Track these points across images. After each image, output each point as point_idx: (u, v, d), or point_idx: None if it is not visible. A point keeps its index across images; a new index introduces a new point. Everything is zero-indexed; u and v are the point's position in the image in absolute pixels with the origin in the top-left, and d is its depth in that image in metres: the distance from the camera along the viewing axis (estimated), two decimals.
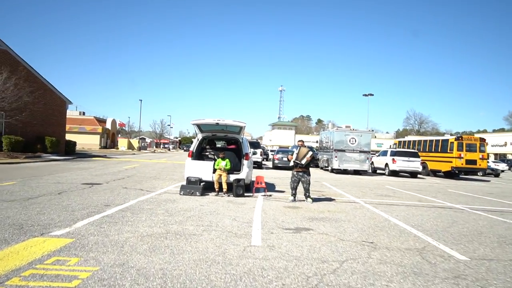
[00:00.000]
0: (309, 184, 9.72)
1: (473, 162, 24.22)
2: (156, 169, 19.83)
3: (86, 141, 55.68)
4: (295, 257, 4.58)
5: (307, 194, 9.70)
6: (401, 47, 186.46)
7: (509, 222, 8.14)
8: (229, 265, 4.14)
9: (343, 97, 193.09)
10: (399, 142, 32.96)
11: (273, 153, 31.52)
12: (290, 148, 40.39)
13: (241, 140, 11.76)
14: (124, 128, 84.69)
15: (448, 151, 24.64)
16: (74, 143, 33.63)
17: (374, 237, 5.91)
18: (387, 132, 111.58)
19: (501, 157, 57.51)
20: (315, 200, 9.88)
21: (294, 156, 9.71)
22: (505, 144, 64.22)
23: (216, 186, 10.27)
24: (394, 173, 24.46)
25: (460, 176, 26.61)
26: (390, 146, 36.07)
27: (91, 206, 7.42)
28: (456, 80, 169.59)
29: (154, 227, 5.88)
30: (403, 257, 4.82)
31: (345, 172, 24.31)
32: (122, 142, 67.77)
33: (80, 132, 56.79)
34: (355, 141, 23.56)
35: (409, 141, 30.91)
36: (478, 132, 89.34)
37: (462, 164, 24.03)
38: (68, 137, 41.48)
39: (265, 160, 29.39)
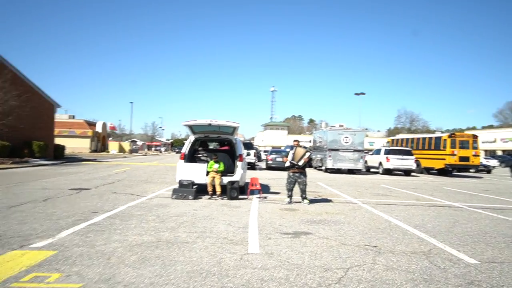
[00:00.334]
0: (305, 185, 9.43)
1: (466, 159, 24.19)
2: (147, 172, 19.39)
3: (76, 145, 54.77)
4: (296, 266, 4.27)
5: (304, 195, 9.41)
6: (391, 46, 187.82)
7: None
8: (226, 277, 3.81)
9: (334, 97, 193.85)
10: (392, 140, 32.92)
11: (266, 153, 31.23)
12: (283, 148, 40.13)
13: (234, 141, 11.42)
14: (115, 131, 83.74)
15: (441, 148, 24.57)
16: (63, 147, 32.91)
17: (377, 240, 5.63)
18: (378, 131, 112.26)
19: (491, 154, 58.08)
20: (311, 201, 9.59)
21: (290, 156, 9.40)
22: (495, 141, 64.90)
23: (209, 189, 9.92)
24: (388, 172, 24.32)
25: (453, 173, 26.60)
26: (383, 144, 36.04)
27: (77, 214, 7.03)
28: (445, 79, 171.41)
29: (144, 235, 5.53)
30: (410, 262, 4.54)
31: (339, 171, 24.12)
32: (113, 145, 66.84)
33: (70, 136, 55.84)
34: (349, 140, 23.38)
35: (402, 139, 30.87)
36: (468, 129, 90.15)
37: (455, 161, 23.98)
38: (58, 141, 40.69)
39: (257, 161, 29.07)
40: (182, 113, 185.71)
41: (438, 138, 25.54)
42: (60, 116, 58.90)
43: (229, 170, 10.82)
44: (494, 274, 4.17)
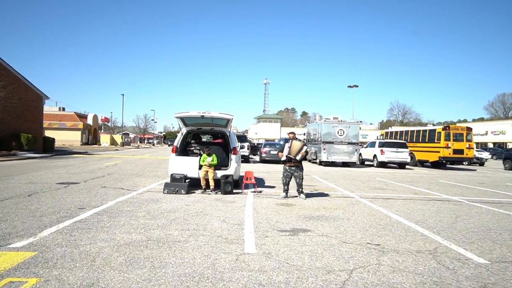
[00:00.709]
0: (302, 179, 9.13)
1: (460, 151, 24.14)
2: (139, 165, 18.96)
3: (67, 138, 53.91)
4: (296, 267, 3.97)
5: (300, 189, 9.12)
6: (383, 39, 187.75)
7: None
8: (221, 281, 3.50)
9: (327, 90, 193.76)
10: (386, 133, 32.78)
11: (260, 146, 30.93)
12: (277, 141, 39.83)
13: (228, 134, 11.06)
14: (107, 123, 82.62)
15: (436, 141, 24.48)
16: (53, 140, 32.22)
17: (379, 238, 5.36)
18: (371, 123, 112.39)
19: (482, 146, 58.49)
20: (308, 195, 9.31)
21: (286, 150, 9.06)
22: (486, 133, 65.39)
23: (202, 183, 9.58)
24: (383, 165, 24.18)
25: (447, 166, 26.58)
26: (377, 137, 35.90)
27: (63, 210, 6.65)
28: (437, 71, 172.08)
29: (133, 233, 5.18)
30: (416, 262, 4.27)
31: (333, 164, 23.92)
32: (104, 138, 65.96)
33: (60, 129, 54.95)
34: (343, 132, 23.14)
35: (396, 132, 30.73)
36: (459, 121, 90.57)
37: (449, 154, 23.92)
38: (48, 133, 40.00)
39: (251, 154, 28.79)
40: (175, 105, 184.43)
41: (433, 131, 25.43)
42: (50, 109, 57.99)
43: (223, 163, 10.48)
44: (507, 275, 3.92)
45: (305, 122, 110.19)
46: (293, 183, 9.24)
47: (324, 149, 22.92)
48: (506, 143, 61.25)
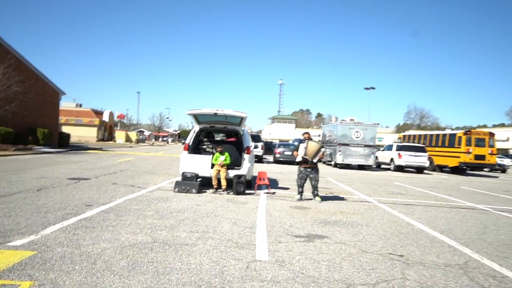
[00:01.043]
0: (317, 181, 8.73)
1: (482, 157, 23.25)
2: (151, 163, 18.85)
3: (83, 134, 54.58)
4: (313, 279, 3.61)
5: (316, 192, 8.72)
6: (402, 42, 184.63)
7: None
8: None
9: (342, 91, 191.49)
10: (404, 136, 31.97)
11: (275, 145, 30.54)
12: (291, 142, 39.36)
13: (241, 133, 10.73)
14: (123, 120, 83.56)
15: (456, 146, 23.65)
16: (68, 135, 32.54)
17: (402, 248, 4.95)
18: (386, 126, 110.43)
19: (503, 153, 56.62)
20: (323, 198, 8.91)
21: (302, 151, 8.66)
22: (508, 139, 63.27)
23: (214, 182, 9.28)
24: (400, 168, 23.49)
25: (467, 171, 25.68)
26: (395, 140, 35.08)
27: (69, 206, 6.44)
28: (457, 75, 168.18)
29: (139, 234, 4.91)
30: (446, 278, 3.86)
31: (348, 167, 23.36)
32: (119, 135, 66.62)
33: (76, 124, 55.65)
34: (360, 134, 22.54)
35: (414, 135, 29.90)
36: (478, 127, 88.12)
37: (470, 159, 23.05)
38: (65, 129, 40.58)
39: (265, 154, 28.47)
40: (190, 104, 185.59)
41: (453, 135, 24.58)
42: (67, 104, 58.85)
43: (235, 163, 10.16)
44: None
45: (319, 123, 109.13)
46: (307, 186, 8.86)
47: (340, 151, 22.38)
48: None
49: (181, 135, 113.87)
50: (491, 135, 24.09)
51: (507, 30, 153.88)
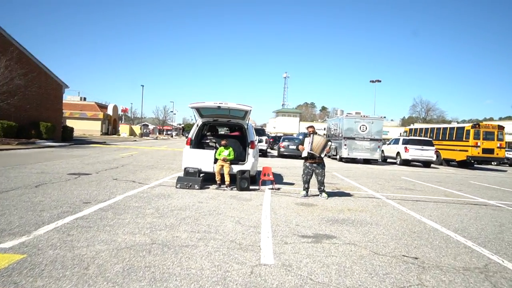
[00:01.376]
0: (324, 177, 8.43)
1: (491, 151, 22.81)
2: (154, 157, 18.62)
3: (87, 127, 54.55)
4: (322, 285, 3.33)
5: (322, 188, 8.43)
6: (407, 35, 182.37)
7: None
8: None
9: (347, 85, 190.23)
10: (410, 129, 31.50)
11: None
12: (295, 135, 39.01)
13: (246, 127, 10.42)
14: (127, 114, 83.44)
15: (464, 139, 23.23)
16: (71, 129, 32.42)
17: (416, 249, 4.65)
18: (392, 120, 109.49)
19: (510, 146, 55.84)
20: (330, 194, 8.62)
21: (308, 146, 8.35)
22: None
23: (217, 178, 9.02)
24: (406, 163, 23.12)
25: (475, 165, 25.24)
26: (401, 134, 34.59)
27: (66, 204, 6.20)
28: (463, 68, 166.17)
29: (137, 235, 4.65)
30: (467, 284, 3.56)
31: (354, 161, 23.02)
32: (123, 129, 66.59)
33: (81, 118, 55.60)
34: (366, 128, 22.16)
35: (421, 129, 29.43)
36: (485, 120, 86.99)
37: (478, 153, 22.64)
38: (69, 123, 40.52)
39: (270, 148, 28.15)
40: (194, 97, 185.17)
41: (461, 129, 24.12)
42: (71, 98, 58.89)
43: (239, 158, 9.87)
44: None
45: (324, 117, 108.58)
46: (313, 181, 8.57)
47: (345, 145, 22.04)
48: None
49: (185, 129, 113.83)
50: (500, 128, 23.60)
51: (510, 24, 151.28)
